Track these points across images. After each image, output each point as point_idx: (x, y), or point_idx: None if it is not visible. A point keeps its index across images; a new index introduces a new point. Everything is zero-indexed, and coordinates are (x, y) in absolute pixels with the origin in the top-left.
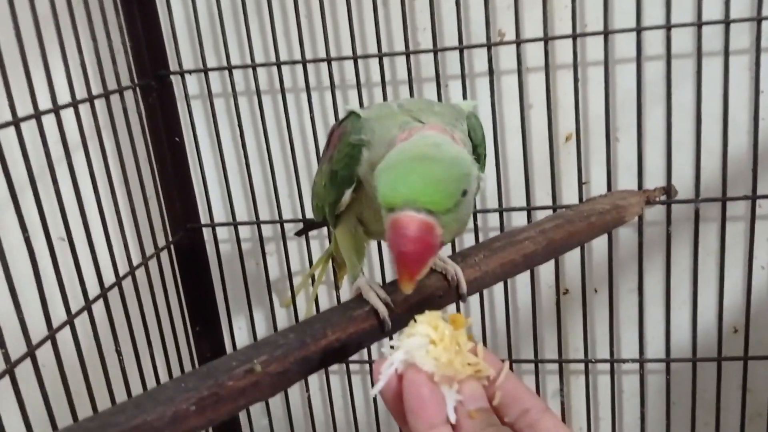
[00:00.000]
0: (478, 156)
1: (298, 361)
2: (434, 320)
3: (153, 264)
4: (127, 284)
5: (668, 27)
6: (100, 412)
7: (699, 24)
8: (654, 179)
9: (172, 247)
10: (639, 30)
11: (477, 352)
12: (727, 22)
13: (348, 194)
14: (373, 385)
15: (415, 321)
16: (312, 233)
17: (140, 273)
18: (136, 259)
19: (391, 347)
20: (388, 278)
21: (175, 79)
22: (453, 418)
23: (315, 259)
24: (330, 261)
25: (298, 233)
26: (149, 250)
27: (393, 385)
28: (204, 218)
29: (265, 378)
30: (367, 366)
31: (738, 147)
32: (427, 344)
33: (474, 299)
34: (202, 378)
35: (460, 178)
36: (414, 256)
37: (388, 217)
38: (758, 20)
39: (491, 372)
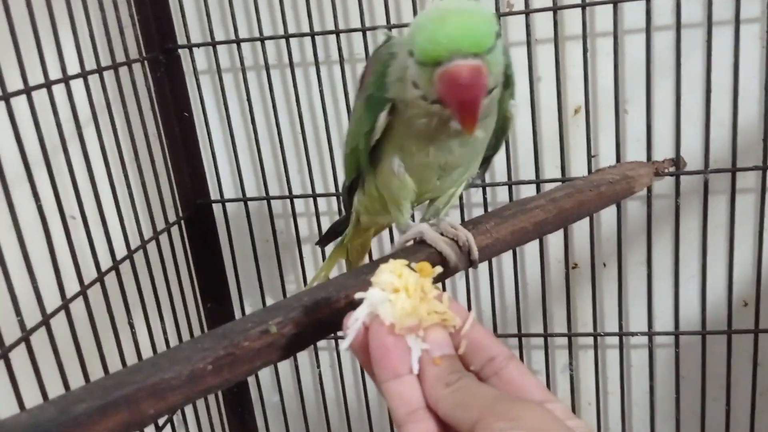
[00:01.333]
0: (508, 77)
1: (312, 323)
2: (398, 268)
3: (164, 240)
4: (138, 259)
5: None
6: (117, 371)
7: None
8: (663, 151)
9: (182, 222)
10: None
11: (443, 300)
12: None
13: (383, 117)
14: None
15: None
16: (322, 208)
17: (152, 248)
18: (147, 234)
19: (359, 299)
20: None
21: (183, 53)
22: (416, 369)
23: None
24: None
25: (320, 243)
26: (160, 225)
27: (361, 339)
28: (214, 194)
29: (280, 339)
30: None
31: (748, 117)
32: (390, 293)
33: (484, 274)
34: (218, 339)
35: (491, 18)
36: (474, 102)
37: (436, 72)
38: None
39: (457, 321)
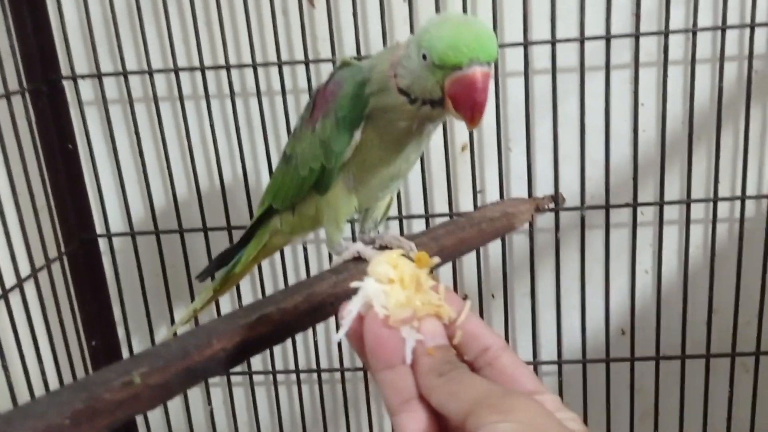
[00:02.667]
0: None
1: (180, 373)
2: (395, 259)
3: (44, 277)
4: (15, 298)
5: (553, 42)
6: None
7: (582, 39)
8: (544, 187)
9: (65, 258)
10: (526, 44)
11: (439, 290)
12: (608, 38)
13: (358, 135)
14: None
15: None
16: (214, 242)
17: (30, 286)
18: (24, 271)
19: (354, 288)
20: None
21: (68, 84)
22: (409, 359)
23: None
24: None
25: (201, 276)
26: (39, 261)
27: (356, 329)
28: (100, 228)
29: (145, 390)
30: (271, 377)
31: (620, 157)
32: (386, 284)
33: None
34: (77, 391)
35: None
36: (484, 102)
37: (453, 75)
38: (636, 36)
39: (452, 313)
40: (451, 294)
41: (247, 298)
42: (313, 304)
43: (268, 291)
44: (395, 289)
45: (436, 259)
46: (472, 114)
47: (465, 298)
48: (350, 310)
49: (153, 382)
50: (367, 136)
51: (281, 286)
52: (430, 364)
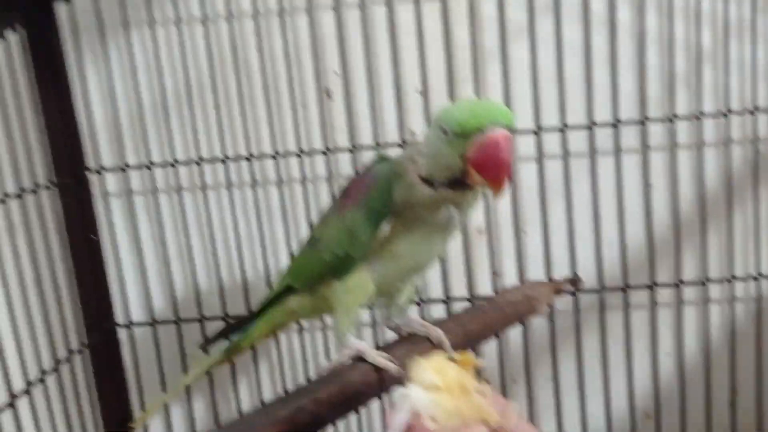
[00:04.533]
0: None
1: None
2: (440, 364)
3: (66, 368)
4: (36, 390)
5: (563, 128)
6: None
7: (590, 125)
8: (561, 270)
9: (86, 350)
10: (538, 131)
11: (485, 394)
12: (615, 124)
13: (386, 227)
14: None
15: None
16: None
17: (51, 379)
18: (47, 364)
19: (401, 394)
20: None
21: (94, 177)
22: None
23: None
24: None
25: (203, 346)
26: (62, 353)
27: None
28: (122, 318)
29: None
30: None
31: (635, 239)
32: (432, 392)
33: None
34: None
35: None
36: (508, 164)
37: (475, 139)
38: (644, 122)
39: (497, 417)
40: (496, 396)
41: (265, 382)
42: (348, 394)
43: (288, 377)
44: (443, 397)
45: (481, 362)
46: (497, 175)
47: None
48: (399, 421)
49: None
50: (394, 229)
51: (299, 369)
52: None
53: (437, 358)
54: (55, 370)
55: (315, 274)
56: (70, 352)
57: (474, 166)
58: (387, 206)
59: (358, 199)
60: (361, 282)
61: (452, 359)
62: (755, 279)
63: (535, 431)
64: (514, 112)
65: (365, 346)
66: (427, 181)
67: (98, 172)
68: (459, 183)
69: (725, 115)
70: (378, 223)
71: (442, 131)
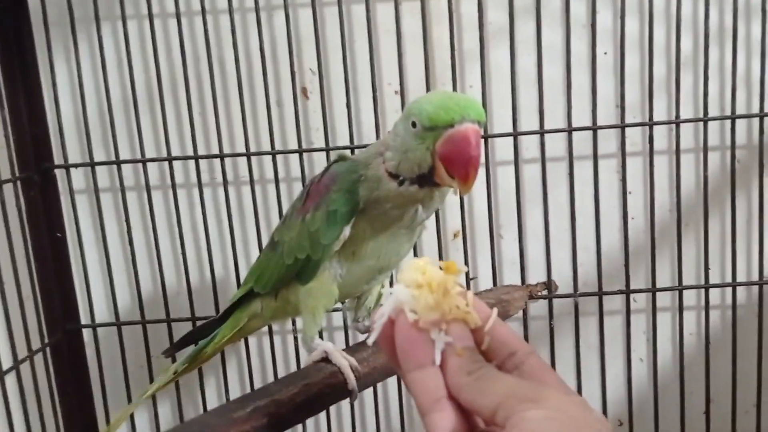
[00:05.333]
0: None
1: None
2: (423, 265)
3: (26, 368)
4: None
5: (542, 132)
6: None
7: (570, 130)
8: (536, 274)
9: (47, 349)
10: (516, 135)
11: (467, 297)
12: (594, 129)
13: (347, 230)
14: None
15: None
16: None
17: (11, 379)
18: (6, 363)
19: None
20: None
21: (60, 173)
22: (438, 360)
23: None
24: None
25: (167, 353)
26: (22, 353)
27: (387, 333)
28: (85, 318)
29: None
30: None
31: (611, 244)
32: (414, 289)
33: (369, 397)
34: None
35: None
36: (477, 160)
37: (445, 134)
38: (622, 127)
39: (477, 319)
40: (479, 301)
41: (234, 386)
42: (310, 396)
43: (256, 378)
44: (424, 293)
45: (465, 268)
46: (466, 172)
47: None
48: (382, 314)
49: None
50: (358, 229)
51: (269, 373)
52: (459, 363)
53: (422, 259)
54: (15, 369)
55: (277, 278)
56: (32, 351)
57: (442, 160)
58: (348, 206)
59: (318, 201)
60: (324, 285)
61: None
62: (731, 286)
63: (514, 335)
64: (489, 114)
65: (331, 347)
66: (395, 177)
67: (65, 168)
68: (426, 180)
69: (704, 122)
70: (339, 224)
71: (412, 124)
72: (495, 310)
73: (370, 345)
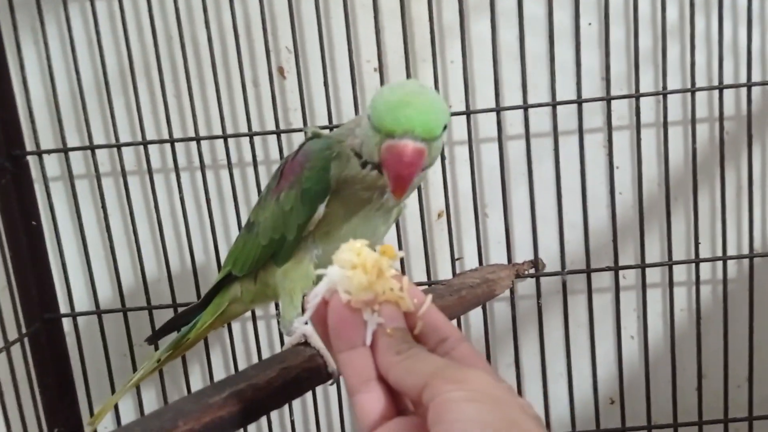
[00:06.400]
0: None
1: None
2: (358, 247)
3: (3, 359)
4: None
5: (525, 107)
6: None
7: (554, 104)
8: (523, 253)
9: (26, 340)
10: (499, 110)
11: (401, 281)
12: (579, 102)
13: (322, 209)
14: None
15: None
16: None
17: None
18: None
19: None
20: None
21: (33, 160)
22: (369, 341)
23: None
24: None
25: (150, 340)
26: None
27: (321, 312)
28: (64, 307)
29: None
30: None
31: (598, 220)
32: (348, 270)
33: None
34: None
35: (445, 111)
36: (408, 177)
37: (387, 142)
38: (608, 100)
39: (411, 305)
40: (413, 287)
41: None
42: (288, 379)
43: (241, 365)
44: (357, 273)
45: (401, 253)
46: (395, 185)
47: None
48: (316, 294)
49: None
50: (332, 208)
51: (254, 359)
52: (388, 343)
53: (358, 242)
54: None
55: (253, 259)
56: (8, 342)
57: (382, 163)
58: (322, 184)
59: (291, 180)
60: (300, 267)
61: (372, 248)
62: (722, 260)
63: (446, 321)
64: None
65: (310, 330)
66: (359, 156)
67: (37, 155)
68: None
69: (691, 92)
70: (313, 202)
71: (368, 116)
72: (430, 296)
73: (304, 322)
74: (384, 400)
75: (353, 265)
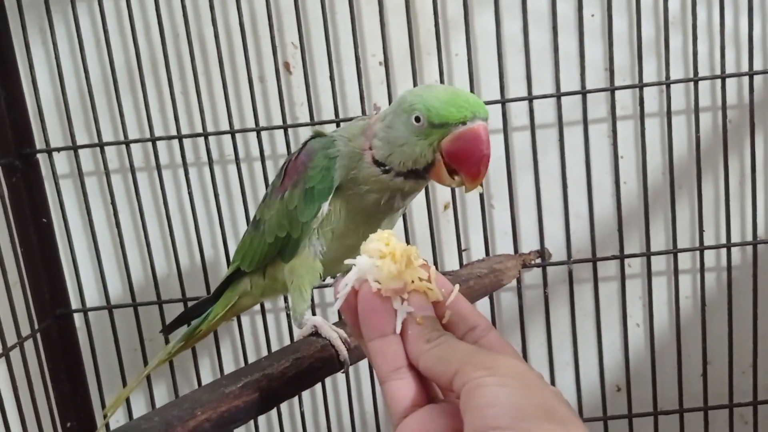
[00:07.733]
0: None
1: None
2: (387, 237)
3: (17, 355)
4: None
5: (530, 98)
6: None
7: (558, 95)
8: (529, 243)
9: (38, 335)
10: (504, 102)
11: (429, 270)
12: (583, 93)
13: (326, 207)
14: None
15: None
16: None
17: (1, 365)
18: None
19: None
20: None
21: (42, 158)
22: (399, 329)
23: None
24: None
25: (165, 330)
26: (11, 339)
27: (351, 302)
28: (75, 303)
29: None
30: None
31: (603, 209)
32: (378, 260)
33: (364, 374)
34: None
35: None
36: (488, 157)
37: (455, 132)
38: (612, 90)
39: (439, 294)
40: (441, 276)
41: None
42: (301, 369)
43: (251, 358)
44: (387, 262)
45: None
46: (477, 170)
47: None
48: (345, 283)
49: None
50: (336, 207)
51: (263, 352)
52: (419, 331)
53: (385, 232)
54: (5, 356)
55: (260, 256)
56: (21, 338)
57: (450, 157)
58: (327, 184)
59: (295, 178)
60: (306, 262)
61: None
62: (726, 248)
63: (474, 310)
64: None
65: (321, 321)
66: (380, 164)
67: (47, 153)
68: (417, 174)
69: (694, 82)
70: (317, 201)
71: (415, 119)
72: (457, 286)
73: (336, 312)
74: (415, 388)
75: (382, 254)
